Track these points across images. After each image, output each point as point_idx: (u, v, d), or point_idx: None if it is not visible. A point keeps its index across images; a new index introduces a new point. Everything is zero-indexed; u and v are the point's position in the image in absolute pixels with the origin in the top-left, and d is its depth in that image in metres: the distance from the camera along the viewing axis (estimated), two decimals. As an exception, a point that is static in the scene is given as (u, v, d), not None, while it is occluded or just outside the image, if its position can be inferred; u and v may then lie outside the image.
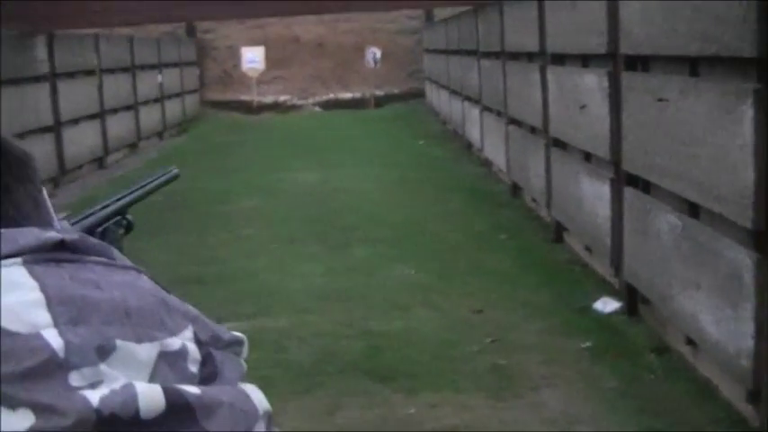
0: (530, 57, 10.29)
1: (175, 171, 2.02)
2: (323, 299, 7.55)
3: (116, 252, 1.06)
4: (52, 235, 0.98)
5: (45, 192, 1.13)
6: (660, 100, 5.68)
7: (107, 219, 1.74)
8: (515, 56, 11.21)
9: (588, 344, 6.22)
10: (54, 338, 0.88)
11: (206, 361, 1.00)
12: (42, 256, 0.95)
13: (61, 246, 0.98)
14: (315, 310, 7.27)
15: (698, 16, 4.99)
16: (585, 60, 7.88)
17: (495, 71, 12.60)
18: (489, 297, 7.38)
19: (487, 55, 13.45)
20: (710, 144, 4.94)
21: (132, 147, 19.03)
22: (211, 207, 11.91)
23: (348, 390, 5.63)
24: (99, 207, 1.75)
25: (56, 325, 0.89)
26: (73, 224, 1.64)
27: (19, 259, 0.94)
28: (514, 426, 5.10)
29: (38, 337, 0.88)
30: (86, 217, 1.68)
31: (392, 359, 6.09)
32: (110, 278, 0.98)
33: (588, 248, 8.02)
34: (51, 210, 1.13)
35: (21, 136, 13.25)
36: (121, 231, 1.78)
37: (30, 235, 0.97)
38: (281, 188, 13.11)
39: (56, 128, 14.79)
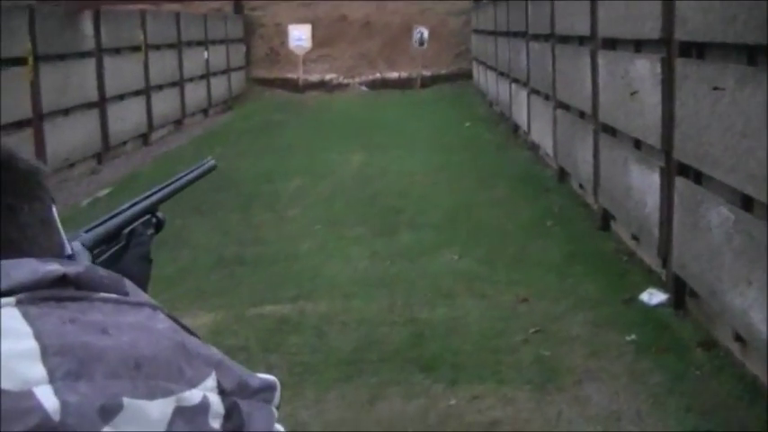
0: (580, 40, 10.13)
1: (212, 162, 1.88)
2: (366, 284, 7.47)
3: (128, 284, 0.93)
4: (53, 268, 0.86)
5: (54, 210, 1.02)
6: (716, 89, 5.53)
7: (135, 218, 1.61)
8: (565, 39, 11.04)
9: (633, 336, 6.11)
10: (48, 398, 0.76)
11: (231, 413, 0.88)
12: (40, 294, 0.83)
13: (63, 281, 0.86)
14: (357, 295, 7.19)
15: (758, 4, 4.84)
16: (638, 46, 7.71)
17: (544, 54, 12.44)
18: (535, 286, 7.27)
19: (537, 37, 13.28)
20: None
21: (177, 124, 19.06)
22: (255, 187, 11.86)
23: (389, 379, 5.55)
24: (127, 205, 1.62)
25: (51, 381, 0.77)
26: (97, 226, 1.53)
27: (12, 299, 0.82)
28: (557, 421, 5.01)
29: (29, 396, 0.76)
30: (112, 217, 1.56)
31: (435, 348, 6.01)
32: (119, 319, 0.85)
33: (635, 238, 7.87)
34: (61, 231, 1.02)
35: (66, 112, 13.30)
36: (151, 231, 1.64)
37: (26, 268, 0.85)
38: (326, 169, 13.04)
39: (101, 104, 14.81)
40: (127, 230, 1.56)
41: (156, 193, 1.69)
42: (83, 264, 0.94)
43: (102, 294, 0.88)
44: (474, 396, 5.30)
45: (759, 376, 5.28)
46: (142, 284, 1.43)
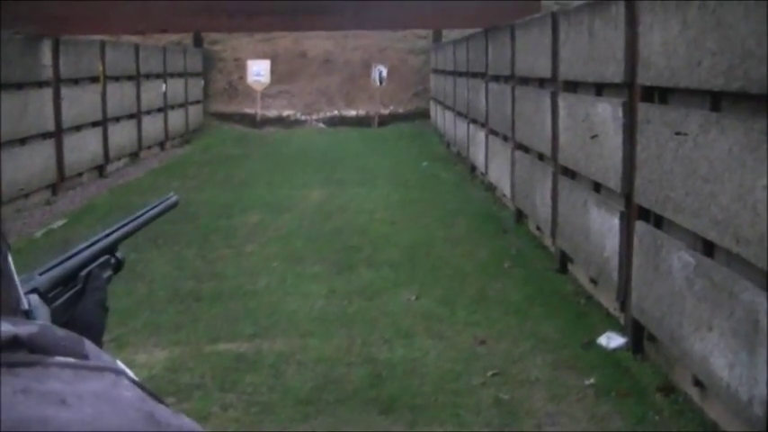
0: (541, 82, 10.17)
1: (174, 198, 1.79)
2: (324, 322, 7.41)
3: (88, 345, 0.81)
4: (2, 329, 0.75)
5: (10, 259, 0.91)
6: (678, 134, 5.55)
7: (93, 259, 1.49)
8: (526, 80, 11.09)
9: (593, 380, 6.08)
10: None
11: None
12: None
13: (15, 343, 0.75)
14: (315, 333, 7.12)
15: (724, 50, 4.86)
16: (600, 89, 7.74)
17: (503, 95, 12.48)
18: (493, 327, 7.23)
19: (496, 78, 13.34)
20: (731, 182, 4.80)
21: (134, 156, 18.91)
22: (213, 221, 11.77)
23: (347, 420, 5.48)
24: (85, 244, 1.51)
25: None
26: (52, 267, 1.42)
27: None
28: (518, 466, 4.95)
29: None
30: (69, 258, 1.45)
31: (393, 389, 5.94)
32: (80, 387, 0.73)
33: (594, 281, 7.88)
34: (18, 283, 0.92)
35: (22, 141, 13.15)
36: (109, 273, 1.53)
37: None
38: (285, 204, 12.97)
39: (57, 134, 14.66)
40: (84, 273, 1.46)
41: (115, 231, 1.59)
42: (37, 323, 0.83)
43: (59, 359, 0.76)
44: (433, 439, 5.24)
45: (718, 423, 5.26)
46: (98, 335, 1.37)
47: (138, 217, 1.67)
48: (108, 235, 1.56)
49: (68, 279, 1.43)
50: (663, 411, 5.61)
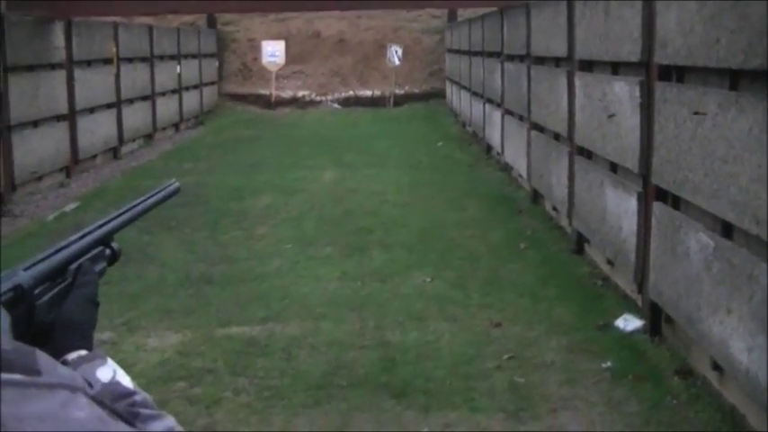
0: (557, 61, 10.06)
1: (176, 185, 1.70)
2: (336, 305, 7.33)
3: (42, 358, 0.74)
4: None
5: None
6: (696, 113, 5.44)
7: (85, 251, 1.39)
8: (541, 60, 10.97)
9: (609, 364, 6.00)
10: None
11: None
12: None
13: None
14: (327, 317, 7.05)
15: (743, 27, 4.75)
16: (616, 68, 7.62)
17: (519, 74, 12.38)
18: (508, 310, 7.15)
19: (512, 58, 13.23)
20: (750, 162, 4.69)
21: (148, 138, 18.87)
22: (224, 203, 11.71)
23: (359, 405, 5.41)
24: (77, 236, 1.41)
25: None
26: (39, 261, 1.31)
27: None
28: (532, 451, 4.88)
29: None
30: (58, 251, 1.34)
31: (406, 373, 5.87)
32: (24, 409, 0.67)
33: (610, 262, 7.78)
34: None
35: (34, 123, 13.11)
36: (102, 266, 1.42)
37: None
38: (297, 187, 12.90)
39: (70, 116, 14.61)
40: (74, 266, 1.35)
41: (110, 221, 1.49)
42: None
43: (4, 376, 0.70)
44: (446, 424, 5.16)
45: (737, 406, 5.17)
46: (86, 332, 1.30)
47: (137, 205, 1.58)
48: (102, 225, 1.47)
49: (56, 273, 1.33)
50: (680, 395, 5.52)
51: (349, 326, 6.84)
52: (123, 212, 1.54)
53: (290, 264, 8.64)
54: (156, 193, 1.64)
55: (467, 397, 5.50)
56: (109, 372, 1.22)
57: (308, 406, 5.41)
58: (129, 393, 1.19)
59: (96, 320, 1.35)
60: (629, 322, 6.73)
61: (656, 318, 6.50)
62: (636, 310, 6.90)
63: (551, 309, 7.17)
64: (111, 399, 1.16)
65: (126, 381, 1.22)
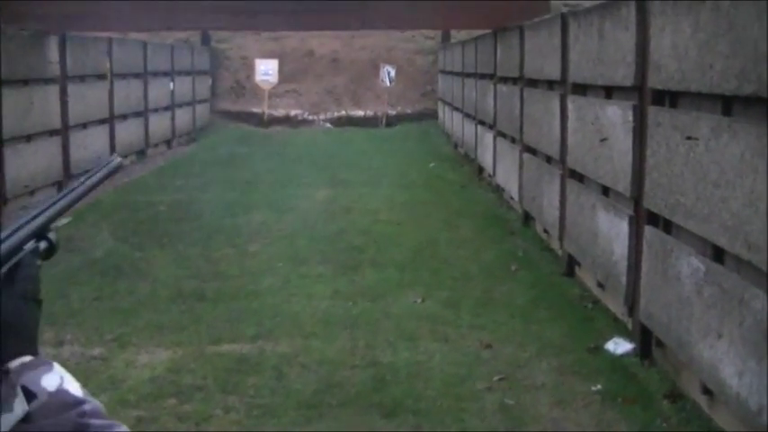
0: (550, 84, 10.09)
1: (117, 160, 1.51)
2: (328, 324, 7.33)
3: None
4: None
5: None
6: (689, 138, 5.47)
7: (14, 250, 1.25)
8: (534, 82, 11.01)
9: (599, 386, 6.01)
10: None
11: None
12: None
13: None
14: (319, 335, 7.05)
15: (736, 53, 4.78)
16: (609, 92, 7.66)
17: (511, 97, 12.41)
18: (499, 331, 7.16)
19: (505, 80, 13.26)
20: (742, 187, 4.72)
21: (140, 154, 18.85)
22: (217, 220, 11.70)
23: (350, 424, 5.41)
24: (9, 231, 1.27)
25: None
26: None
27: None
28: (523, 473, 4.88)
29: None
30: None
31: (397, 393, 5.87)
32: None
33: (601, 285, 7.80)
34: None
35: (27, 138, 13.10)
36: (37, 263, 1.30)
37: None
38: (290, 204, 12.90)
39: (63, 131, 14.61)
40: (3, 270, 1.23)
41: (43, 211, 1.35)
42: None
43: None
44: (437, 444, 5.17)
45: (726, 431, 5.19)
46: (28, 335, 1.23)
47: (75, 188, 1.44)
48: (35, 216, 1.34)
49: None
50: (670, 419, 5.53)
51: (340, 345, 6.84)
52: (58, 200, 1.40)
53: (281, 281, 8.64)
54: (97, 172, 1.50)
55: (457, 418, 5.51)
56: (55, 379, 1.17)
57: (299, 424, 5.41)
58: (78, 402, 1.15)
59: (39, 320, 1.27)
60: (619, 345, 6.75)
61: (646, 341, 6.52)
62: (626, 333, 6.91)
63: (542, 331, 7.19)
64: (57, 409, 1.14)
65: (74, 388, 1.18)
